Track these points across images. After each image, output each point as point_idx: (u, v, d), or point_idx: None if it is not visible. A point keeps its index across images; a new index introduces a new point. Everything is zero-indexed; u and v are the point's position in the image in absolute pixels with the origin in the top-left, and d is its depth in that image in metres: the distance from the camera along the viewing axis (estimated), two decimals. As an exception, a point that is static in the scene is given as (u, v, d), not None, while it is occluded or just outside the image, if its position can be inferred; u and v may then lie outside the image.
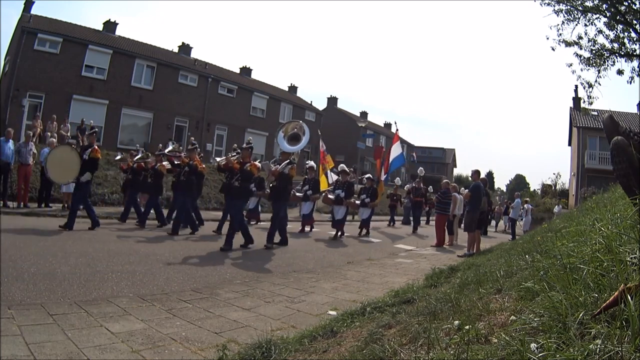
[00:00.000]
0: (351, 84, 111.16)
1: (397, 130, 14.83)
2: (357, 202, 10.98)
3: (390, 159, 12.77)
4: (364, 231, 10.86)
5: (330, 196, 10.36)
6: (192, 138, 10.82)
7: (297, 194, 10.43)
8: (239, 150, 7.90)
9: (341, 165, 10.86)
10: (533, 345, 1.20)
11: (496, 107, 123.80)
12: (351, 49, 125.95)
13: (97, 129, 9.04)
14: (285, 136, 7.83)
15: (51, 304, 3.21)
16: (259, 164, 7.53)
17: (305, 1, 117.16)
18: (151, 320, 3.10)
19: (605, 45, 12.55)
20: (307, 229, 10.62)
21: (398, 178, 17.30)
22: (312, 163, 11.26)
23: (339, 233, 10.04)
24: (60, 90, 18.19)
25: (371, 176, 11.55)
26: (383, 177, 12.34)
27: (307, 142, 7.83)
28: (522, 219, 16.72)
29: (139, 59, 21.42)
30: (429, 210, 19.36)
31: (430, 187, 21.32)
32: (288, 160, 7.61)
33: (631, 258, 1.46)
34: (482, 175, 8.77)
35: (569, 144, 27.92)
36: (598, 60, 12.65)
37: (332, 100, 38.09)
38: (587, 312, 1.27)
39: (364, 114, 39.05)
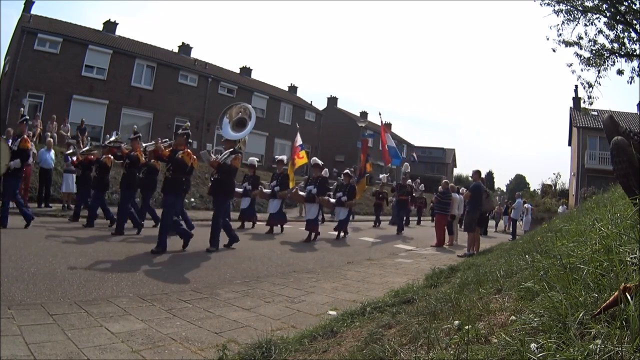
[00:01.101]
0: (351, 84, 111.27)
1: (382, 122, 13.63)
2: (332, 200, 9.90)
3: (388, 151, 12.38)
4: (341, 234, 9.76)
5: (301, 193, 9.32)
6: (135, 127, 9.65)
7: (265, 190, 9.76)
8: (166, 139, 6.96)
9: (314, 158, 9.76)
10: (533, 345, 1.20)
11: (496, 107, 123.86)
12: (351, 49, 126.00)
13: (140, 134, 8.29)
14: (230, 121, 6.91)
15: (51, 304, 3.21)
16: (202, 153, 6.82)
17: (305, 1, 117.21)
18: (151, 320, 3.10)
19: (605, 45, 12.56)
20: (277, 229, 9.57)
21: (384, 175, 16.24)
22: (282, 157, 10.27)
23: (341, 234, 9.65)
24: (60, 90, 18.20)
25: (349, 171, 10.39)
26: (387, 170, 11.98)
27: (252, 126, 6.85)
28: (522, 219, 16.71)
29: (139, 59, 21.42)
30: (420, 209, 18.94)
31: (423, 185, 20.90)
32: (231, 150, 6.67)
33: (631, 258, 1.46)
34: (482, 175, 8.78)
35: (569, 144, 27.92)
36: (598, 60, 12.66)
37: (332, 100, 38.08)
38: (587, 312, 1.27)
39: (364, 114, 39.06)
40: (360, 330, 2.62)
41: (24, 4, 19.11)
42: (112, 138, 8.80)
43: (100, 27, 22.37)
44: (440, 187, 19.18)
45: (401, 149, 44.29)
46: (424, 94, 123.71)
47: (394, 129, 45.82)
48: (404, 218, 14.68)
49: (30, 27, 17.95)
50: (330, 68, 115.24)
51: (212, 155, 7.05)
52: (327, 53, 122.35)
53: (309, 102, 33.38)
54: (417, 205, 18.70)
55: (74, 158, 9.34)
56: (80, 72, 19.24)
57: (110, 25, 22.54)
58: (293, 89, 33.11)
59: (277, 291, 4.31)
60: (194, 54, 26.30)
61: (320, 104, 37.43)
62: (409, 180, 19.44)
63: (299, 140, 12.57)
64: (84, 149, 9.03)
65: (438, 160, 52.50)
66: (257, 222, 10.22)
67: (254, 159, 10.82)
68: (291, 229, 10.19)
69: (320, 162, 9.63)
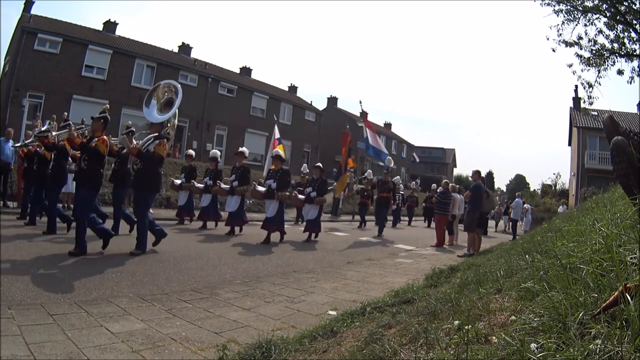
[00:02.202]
0: (351, 84, 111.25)
1: (364, 113, 12.79)
2: (301, 196, 9.22)
3: (371, 144, 11.74)
4: (312, 235, 9.02)
5: (260, 188, 8.33)
6: (129, 122, 8.88)
7: (223, 186, 8.91)
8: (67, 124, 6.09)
9: (275, 149, 8.93)
10: (533, 345, 1.20)
11: (496, 107, 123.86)
12: (351, 49, 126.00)
13: (132, 129, 7.50)
14: (157, 103, 6.12)
15: (51, 304, 3.21)
16: (117, 139, 5.90)
17: (306, 1, 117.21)
18: (151, 320, 3.10)
19: (605, 45, 12.57)
20: (237, 230, 8.80)
21: (370, 171, 15.18)
22: (243, 148, 9.19)
23: (312, 235, 8.98)
24: (60, 90, 18.20)
25: (320, 165, 9.57)
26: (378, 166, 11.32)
27: (179, 104, 6.02)
28: (522, 220, 16.72)
29: (139, 59, 21.42)
30: (412, 208, 18.27)
31: (414, 182, 20.14)
32: (156, 134, 5.85)
33: (631, 258, 1.46)
34: (482, 175, 8.77)
35: (569, 144, 27.93)
36: (598, 60, 12.67)
37: (332, 100, 38.08)
38: (587, 312, 1.27)
39: (364, 114, 39.05)
40: (360, 330, 2.62)
41: (24, 4, 19.11)
42: (44, 127, 7.61)
43: (100, 27, 22.37)
44: (433, 185, 18.90)
45: (401, 149, 44.41)
46: (424, 94, 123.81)
47: (394, 129, 45.92)
48: (386, 218, 13.86)
49: (30, 27, 17.95)
50: (330, 68, 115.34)
51: (135, 141, 6.28)
52: (327, 53, 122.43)
53: (309, 102, 33.38)
54: (408, 204, 18.24)
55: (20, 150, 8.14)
56: (80, 72, 19.25)
57: (110, 25, 22.54)
58: (293, 89, 33.11)
59: (277, 291, 4.31)
60: (194, 54, 26.33)
61: (320, 104, 37.46)
62: (397, 178, 18.77)
63: (276, 134, 12.02)
64: (29, 140, 7.70)
65: (438, 160, 52.51)
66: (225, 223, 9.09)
67: (216, 152, 10.19)
68: (290, 229, 10.19)
69: (282, 154, 8.88)
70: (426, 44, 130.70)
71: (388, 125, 44.91)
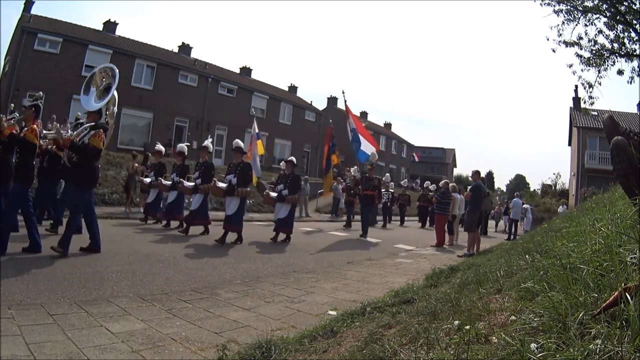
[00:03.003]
0: (351, 84, 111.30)
1: (346, 103, 11.73)
2: (273, 194, 8.52)
3: (352, 137, 10.84)
4: (283, 236, 8.26)
5: (220, 185, 7.66)
6: (12, 105, 7.37)
7: (187, 183, 8.33)
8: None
9: (236, 140, 8.05)
10: (533, 345, 1.20)
11: (496, 107, 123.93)
12: (351, 49, 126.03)
13: (80, 120, 6.73)
14: (96, 90, 5.57)
15: (51, 304, 3.21)
16: (49, 131, 5.29)
17: (305, 1, 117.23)
18: (151, 320, 3.10)
19: (605, 45, 12.57)
20: (202, 229, 8.14)
21: (356, 167, 14.49)
22: (207, 142, 8.66)
23: (283, 236, 8.22)
24: (60, 90, 18.19)
25: (293, 159, 8.80)
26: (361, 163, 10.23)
27: (115, 86, 5.48)
28: (522, 219, 16.71)
29: (139, 59, 21.43)
30: (404, 207, 17.08)
31: (406, 180, 18.77)
32: (92, 124, 5.29)
33: (631, 258, 1.47)
34: (482, 175, 8.78)
35: (569, 144, 27.94)
36: (598, 61, 12.67)
37: (332, 100, 38.05)
38: (587, 312, 1.27)
39: (364, 114, 39.05)
40: (360, 330, 2.62)
41: (24, 4, 19.13)
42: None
43: (100, 27, 22.38)
44: (427, 182, 18.50)
45: (401, 149, 44.41)
46: (423, 94, 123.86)
47: (394, 129, 45.92)
48: (374, 217, 13.35)
49: (30, 27, 17.96)
50: (330, 68, 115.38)
51: (69, 132, 5.78)
52: (327, 53, 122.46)
53: (309, 102, 33.38)
54: (400, 203, 17.20)
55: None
56: (80, 72, 19.22)
57: (110, 25, 22.55)
58: (293, 89, 33.11)
59: (277, 291, 4.30)
60: (194, 54, 26.33)
61: (320, 104, 37.44)
62: (387, 176, 17.59)
63: (255, 129, 11.62)
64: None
65: (438, 160, 52.52)
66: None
67: (183, 146, 9.52)
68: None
69: (242, 145, 7.94)
70: (426, 44, 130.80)
71: (388, 125, 44.90)
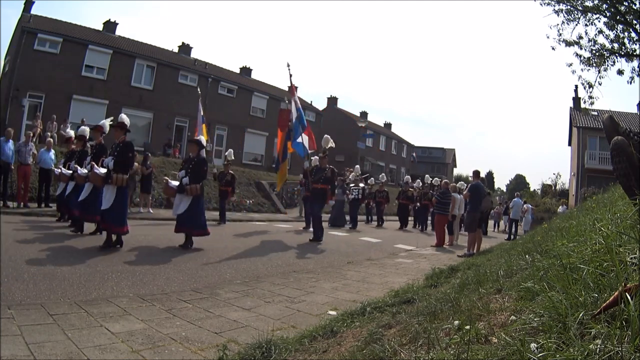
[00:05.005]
0: (351, 84, 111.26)
1: (291, 79, 9.99)
2: (173, 183, 6.83)
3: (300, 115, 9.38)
4: (189, 238, 6.52)
5: (173, 183, 6.80)
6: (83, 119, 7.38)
7: (80, 170, 6.96)
8: None
9: (198, 136, 6.99)
10: (533, 345, 1.20)
11: (496, 107, 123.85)
12: (351, 49, 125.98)
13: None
14: None
15: (51, 304, 3.21)
16: None
17: (305, 1, 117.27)
18: (151, 320, 3.10)
19: (605, 45, 12.58)
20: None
21: (357, 167, 13.46)
22: (104, 122, 6.81)
23: (188, 238, 6.53)
24: (60, 90, 18.21)
25: (200, 139, 7.01)
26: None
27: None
28: (522, 219, 16.72)
29: (139, 59, 21.43)
30: (381, 205, 15.11)
31: (384, 174, 16.89)
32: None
33: (631, 258, 1.47)
34: (482, 176, 8.78)
35: (569, 144, 27.94)
36: (598, 60, 12.68)
37: (332, 100, 38.10)
38: (587, 312, 1.27)
39: (364, 114, 39.09)
40: (360, 330, 2.62)
41: (24, 4, 19.12)
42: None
43: (100, 27, 22.37)
44: (407, 177, 17.76)
45: (401, 149, 44.43)
46: (423, 94, 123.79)
47: (394, 129, 45.96)
48: (335, 216, 12.21)
49: (30, 27, 17.95)
50: (330, 68, 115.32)
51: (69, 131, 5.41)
52: (327, 53, 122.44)
53: (309, 102, 33.38)
54: (377, 201, 15.23)
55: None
56: (80, 72, 19.25)
57: (110, 25, 22.54)
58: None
59: (277, 291, 4.31)
60: (194, 54, 26.32)
61: (320, 104, 37.47)
62: (356, 167, 15.36)
63: (201, 111, 10.64)
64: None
65: (438, 160, 52.57)
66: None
67: (85, 128, 8.13)
68: (291, 229, 10.17)
69: (202, 140, 6.98)
70: (426, 44, 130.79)
71: (388, 125, 44.92)
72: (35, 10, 19.47)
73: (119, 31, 22.90)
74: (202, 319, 3.23)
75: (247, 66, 29.41)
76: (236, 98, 25.83)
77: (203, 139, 7.18)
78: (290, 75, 9.78)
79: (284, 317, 3.46)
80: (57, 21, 20.07)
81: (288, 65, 9.83)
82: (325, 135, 9.49)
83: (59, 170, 8.06)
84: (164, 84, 22.15)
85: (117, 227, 5.86)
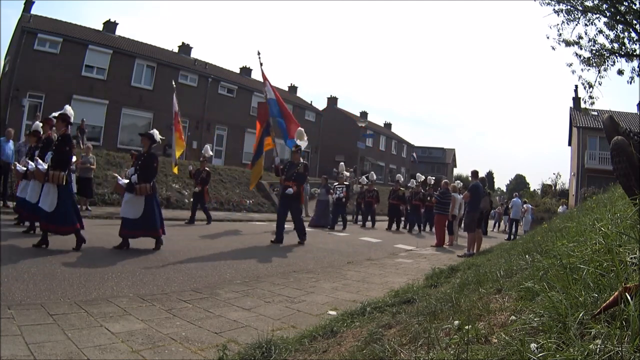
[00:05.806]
0: (351, 84, 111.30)
1: (261, 64, 9.13)
2: (123, 181, 6.35)
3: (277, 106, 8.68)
4: (126, 241, 5.90)
5: (123, 181, 6.34)
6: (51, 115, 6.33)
7: (19, 167, 6.68)
8: None
9: (153, 130, 6.46)
10: (533, 345, 1.20)
11: (496, 107, 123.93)
12: (351, 49, 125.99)
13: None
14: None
15: (51, 304, 3.21)
16: None
17: (305, 1, 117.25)
18: (151, 320, 3.10)
19: (605, 45, 12.57)
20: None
21: (356, 166, 13.35)
22: (59, 112, 5.66)
23: (126, 242, 5.89)
24: (60, 90, 18.19)
25: (153, 132, 6.30)
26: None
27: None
28: (522, 219, 16.71)
29: (139, 59, 21.43)
30: (371, 205, 14.39)
31: (373, 172, 16.12)
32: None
33: (631, 258, 1.46)
34: (482, 175, 8.77)
35: (569, 144, 27.95)
36: (598, 60, 12.67)
37: (332, 100, 38.11)
38: (587, 312, 1.27)
39: (364, 114, 39.10)
40: (360, 330, 2.62)
41: (24, 4, 19.12)
42: None
43: (100, 27, 22.37)
44: (398, 175, 17.50)
45: (401, 149, 44.44)
46: (423, 94, 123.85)
47: (394, 129, 45.99)
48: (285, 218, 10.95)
49: (30, 27, 17.95)
50: (330, 68, 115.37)
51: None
52: (327, 53, 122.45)
53: (309, 102, 33.39)
54: (367, 201, 14.56)
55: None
56: (80, 72, 19.25)
57: (110, 25, 22.54)
58: (293, 89, 33.12)
59: (277, 291, 4.30)
60: (194, 54, 26.33)
61: (320, 104, 37.49)
62: (341, 165, 14.45)
63: (175, 106, 10.28)
64: None
65: (438, 160, 52.58)
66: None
67: (38, 124, 7.54)
68: (290, 229, 10.16)
69: (154, 135, 6.30)
70: (426, 44, 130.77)
71: (388, 125, 44.93)
72: (35, 10, 19.50)
73: (119, 31, 22.93)
74: (202, 319, 3.23)
75: (247, 66, 29.43)
76: (236, 98, 25.83)
77: (156, 132, 6.40)
78: (261, 64, 9.15)
79: (284, 317, 3.46)
80: (57, 21, 20.07)
81: (259, 54, 9.14)
82: (299, 129, 8.59)
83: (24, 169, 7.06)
84: (164, 84, 22.11)
85: (142, 232, 5.79)
